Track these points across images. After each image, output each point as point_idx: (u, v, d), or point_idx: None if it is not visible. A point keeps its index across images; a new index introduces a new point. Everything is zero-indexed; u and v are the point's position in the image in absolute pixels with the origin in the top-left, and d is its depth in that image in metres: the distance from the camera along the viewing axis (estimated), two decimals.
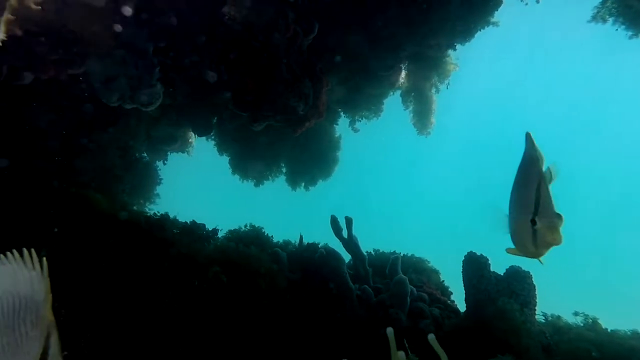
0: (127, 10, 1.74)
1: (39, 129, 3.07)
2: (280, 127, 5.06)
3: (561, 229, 0.91)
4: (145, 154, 4.83)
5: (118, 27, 1.93)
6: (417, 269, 3.60)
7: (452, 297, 3.43)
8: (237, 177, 5.50)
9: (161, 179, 4.98)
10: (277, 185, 6.01)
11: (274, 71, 2.40)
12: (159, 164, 5.14)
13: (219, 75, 2.33)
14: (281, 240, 3.68)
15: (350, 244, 3.23)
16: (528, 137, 1.00)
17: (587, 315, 2.58)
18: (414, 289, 2.98)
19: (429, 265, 3.76)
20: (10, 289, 0.70)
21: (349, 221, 3.20)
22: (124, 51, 1.99)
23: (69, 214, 2.46)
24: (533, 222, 0.93)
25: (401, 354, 0.82)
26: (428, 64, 4.59)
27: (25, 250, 0.72)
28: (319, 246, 3.02)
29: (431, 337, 0.81)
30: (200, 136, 4.72)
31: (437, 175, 24.24)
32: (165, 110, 3.88)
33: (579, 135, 23.31)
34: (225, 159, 5.46)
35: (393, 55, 4.05)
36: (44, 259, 0.73)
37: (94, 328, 1.71)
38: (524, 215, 0.95)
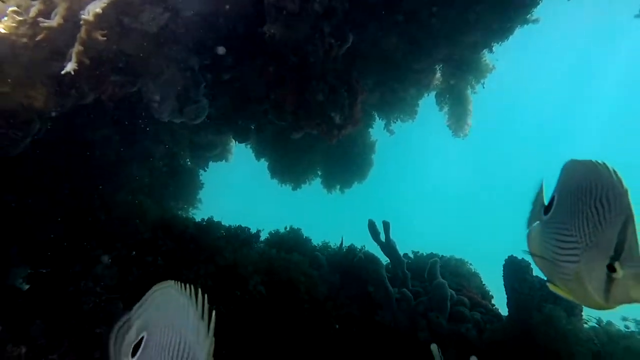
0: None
1: (95, 140, 3.33)
2: (317, 135, 5.16)
3: None
4: (188, 161, 5.08)
5: (168, 49, 2.07)
6: (457, 272, 3.54)
7: (493, 301, 3.35)
8: (275, 181, 5.64)
9: (203, 184, 5.21)
10: (314, 188, 6.10)
11: (311, 84, 2.47)
12: (200, 170, 5.39)
13: (259, 89, 2.43)
14: (320, 242, 3.75)
15: (388, 247, 3.24)
16: (604, 165, 0.78)
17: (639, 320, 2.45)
18: (454, 293, 2.95)
19: (469, 267, 3.68)
20: (179, 329, 0.64)
21: (386, 225, 3.21)
22: (174, 70, 2.13)
23: (124, 220, 2.65)
24: (611, 269, 0.73)
25: None
26: (464, 65, 4.48)
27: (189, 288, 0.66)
28: (358, 250, 3.06)
29: (433, 347, 0.82)
30: (240, 142, 4.90)
31: (475, 179, 23.65)
32: (207, 120, 4.07)
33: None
34: (262, 165, 5.62)
35: (427, 57, 4.01)
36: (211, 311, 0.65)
37: None
38: (599, 256, 0.75)
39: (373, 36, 3.56)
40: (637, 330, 2.58)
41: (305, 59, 2.29)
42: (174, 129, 4.01)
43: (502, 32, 3.82)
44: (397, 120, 5.55)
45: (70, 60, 1.53)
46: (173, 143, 4.34)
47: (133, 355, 0.68)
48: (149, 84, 2.12)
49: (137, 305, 0.74)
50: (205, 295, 0.65)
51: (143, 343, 0.69)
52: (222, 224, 3.07)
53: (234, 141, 5.20)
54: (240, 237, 3.05)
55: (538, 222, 0.98)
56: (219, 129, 4.53)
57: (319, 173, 5.80)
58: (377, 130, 5.75)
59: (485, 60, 4.45)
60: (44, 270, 2.10)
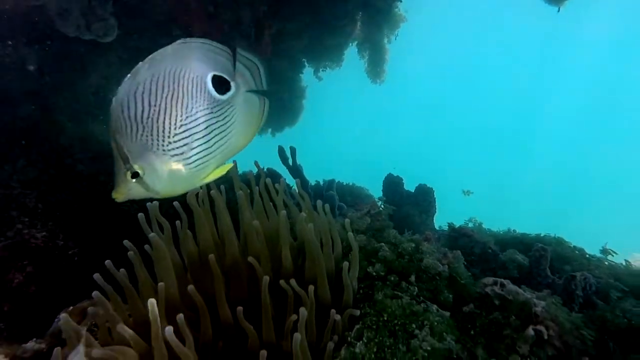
0: None
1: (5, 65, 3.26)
2: None
3: None
4: None
5: None
6: (357, 194, 4.05)
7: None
8: None
9: None
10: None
11: (217, 11, 2.64)
12: None
13: (166, 12, 2.57)
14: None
15: (295, 170, 3.62)
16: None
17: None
18: (344, 205, 3.44)
19: (367, 192, 4.21)
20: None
21: (293, 150, 3.57)
22: None
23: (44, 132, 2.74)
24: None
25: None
26: (379, 15, 4.77)
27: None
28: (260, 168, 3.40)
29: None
30: None
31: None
32: (134, 53, 4.06)
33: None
34: None
35: (342, 5, 4.24)
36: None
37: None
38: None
39: None
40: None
41: None
42: (96, 60, 3.97)
43: None
44: (325, 68, 5.82)
45: None
46: (100, 75, 4.29)
47: None
48: None
49: None
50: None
51: None
52: None
53: None
54: None
55: None
56: None
57: None
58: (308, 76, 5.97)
59: (397, 11, 4.78)
60: None
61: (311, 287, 0.92)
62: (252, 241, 1.07)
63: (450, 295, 1.14)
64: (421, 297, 1.08)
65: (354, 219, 1.34)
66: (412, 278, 1.15)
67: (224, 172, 0.84)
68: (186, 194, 1.02)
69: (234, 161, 1.19)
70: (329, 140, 25.22)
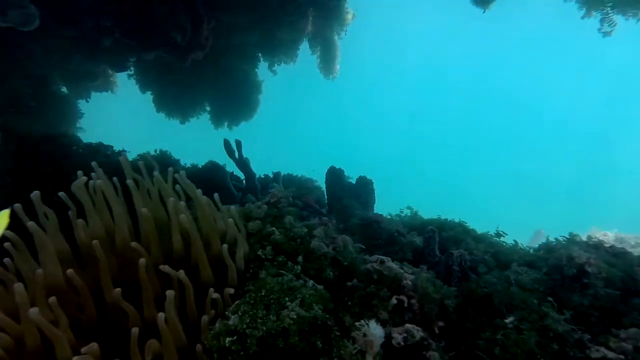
0: None
1: None
2: (201, 69, 5.22)
3: None
4: (64, 88, 4.85)
5: None
6: (303, 185, 4.14)
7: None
8: (162, 115, 5.66)
9: (83, 113, 5.06)
10: (205, 125, 6.25)
11: (151, 4, 2.62)
12: (82, 100, 5.19)
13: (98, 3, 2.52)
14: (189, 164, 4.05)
15: (241, 163, 3.66)
16: None
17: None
18: (291, 198, 3.53)
19: (315, 183, 4.31)
20: None
21: (238, 143, 3.60)
22: None
23: None
24: None
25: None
26: (328, 12, 4.85)
27: None
28: (208, 161, 3.43)
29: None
30: (117, 72, 4.79)
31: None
32: (74, 43, 3.93)
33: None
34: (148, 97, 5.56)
35: (293, 1, 4.28)
36: None
37: None
38: None
39: None
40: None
41: None
42: (31, 49, 3.81)
43: None
44: (280, 63, 5.84)
45: None
46: (35, 64, 4.12)
47: None
48: None
49: None
50: None
51: None
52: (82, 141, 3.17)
53: (112, 72, 5.05)
54: (101, 152, 3.21)
55: None
56: (94, 56, 4.38)
57: (208, 109, 5.94)
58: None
59: (346, 9, 4.87)
60: None
61: (181, 271, 0.99)
62: (143, 227, 1.13)
63: (332, 273, 1.25)
64: (302, 275, 1.19)
65: (252, 208, 1.42)
66: (300, 258, 1.25)
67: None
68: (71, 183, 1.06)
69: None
70: (287, 133, 25.65)
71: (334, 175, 3.52)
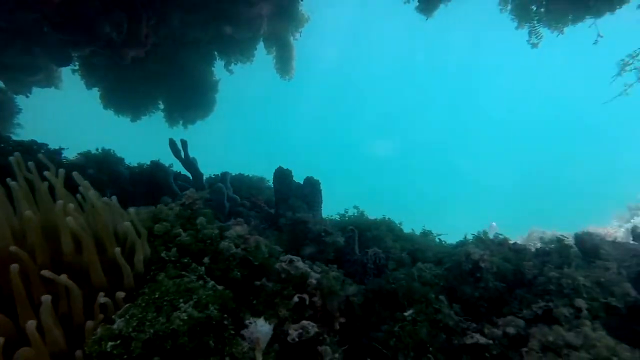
0: None
1: None
2: (148, 64, 5.05)
3: None
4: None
5: None
6: (255, 186, 4.12)
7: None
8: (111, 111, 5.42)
9: (21, 109, 4.75)
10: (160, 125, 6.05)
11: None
12: (22, 95, 4.87)
13: None
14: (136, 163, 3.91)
15: (187, 163, 3.58)
16: None
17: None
18: (238, 198, 3.49)
19: (268, 183, 4.29)
20: None
21: (184, 143, 3.51)
22: None
23: None
24: None
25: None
26: (285, 13, 4.84)
27: None
28: (152, 160, 3.33)
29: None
30: (59, 66, 4.53)
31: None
32: (5, 35, 3.68)
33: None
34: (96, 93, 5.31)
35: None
36: None
37: None
38: None
39: None
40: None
41: None
42: None
43: None
44: (237, 62, 5.77)
45: None
46: None
47: None
48: None
49: None
50: None
51: None
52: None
53: (55, 66, 4.78)
54: (40, 150, 3.03)
55: None
56: (29, 49, 4.13)
57: (161, 107, 5.75)
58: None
59: (301, 11, 4.88)
60: None
61: (64, 275, 0.96)
62: (29, 231, 1.08)
63: (239, 273, 1.25)
64: (205, 276, 1.18)
65: (163, 209, 1.39)
66: (206, 259, 1.24)
67: None
68: None
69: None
70: (245, 133, 25.69)
71: (282, 176, 3.52)
